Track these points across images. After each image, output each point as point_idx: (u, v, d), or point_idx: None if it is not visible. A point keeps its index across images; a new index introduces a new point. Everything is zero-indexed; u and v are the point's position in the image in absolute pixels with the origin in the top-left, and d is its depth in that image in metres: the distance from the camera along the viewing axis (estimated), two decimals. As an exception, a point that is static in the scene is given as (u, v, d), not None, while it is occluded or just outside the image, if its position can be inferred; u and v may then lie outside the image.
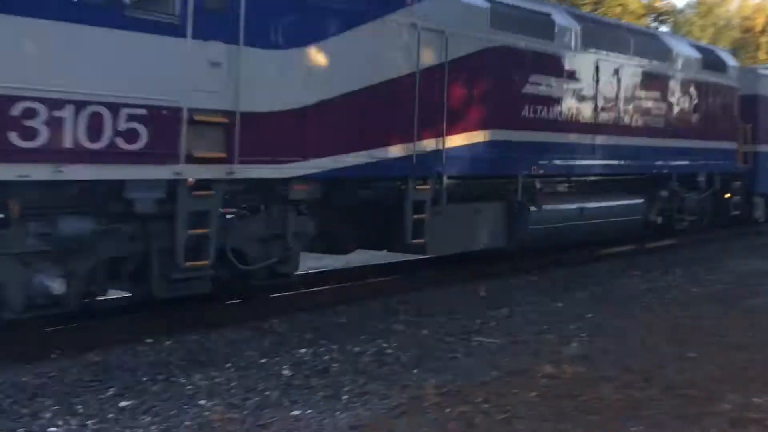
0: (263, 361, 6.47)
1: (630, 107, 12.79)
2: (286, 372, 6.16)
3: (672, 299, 9.55)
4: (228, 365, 6.30)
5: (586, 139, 11.92)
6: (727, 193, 16.36)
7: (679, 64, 14.19)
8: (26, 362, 6.18)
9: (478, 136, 9.90)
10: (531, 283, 11.13)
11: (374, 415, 5.04)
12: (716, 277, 11.38)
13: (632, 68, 12.84)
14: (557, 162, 11.47)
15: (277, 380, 5.88)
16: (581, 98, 11.73)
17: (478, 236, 10.56)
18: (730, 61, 16.63)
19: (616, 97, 12.42)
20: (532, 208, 10.91)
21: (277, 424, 4.84)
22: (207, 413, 5.01)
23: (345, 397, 5.44)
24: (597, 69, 11.92)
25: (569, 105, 11.45)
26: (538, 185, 11.22)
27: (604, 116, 12.19)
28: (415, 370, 6.24)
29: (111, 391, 5.50)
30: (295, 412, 5.05)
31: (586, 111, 11.85)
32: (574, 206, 12.00)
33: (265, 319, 8.10)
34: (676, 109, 14.01)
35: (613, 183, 13.17)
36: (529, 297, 9.97)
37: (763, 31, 47.47)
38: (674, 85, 13.93)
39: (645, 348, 6.89)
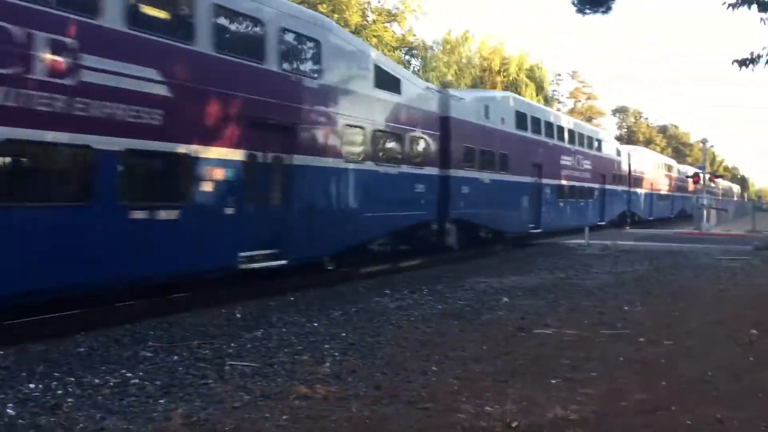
0: (-20, 401, 5.68)
1: None
2: (9, 411, 5.47)
3: (419, 316, 10.12)
4: (-66, 408, 5.43)
5: None
6: None
7: None
8: None
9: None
10: (288, 304, 11.17)
11: (111, 453, 4.64)
12: (458, 295, 12.31)
13: None
14: None
15: (-4, 421, 5.19)
16: None
17: None
18: None
19: None
20: None
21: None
22: None
23: (79, 435, 4.95)
24: None
25: None
26: None
27: None
28: (162, 400, 5.89)
29: None
30: (17, 457, 4.48)
31: None
32: None
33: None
34: None
35: None
36: (286, 317, 9.97)
37: (498, 71, 53.23)
38: None
39: (393, 364, 7.19)
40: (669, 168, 50.11)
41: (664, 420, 5.31)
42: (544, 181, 25.12)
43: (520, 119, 23.32)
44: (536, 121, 24.92)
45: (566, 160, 27.63)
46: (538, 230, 24.54)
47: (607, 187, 33.05)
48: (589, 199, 30.69)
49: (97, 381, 6.40)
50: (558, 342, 8.25)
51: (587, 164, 30.11)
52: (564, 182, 27.34)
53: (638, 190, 39.79)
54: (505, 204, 21.83)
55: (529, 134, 23.99)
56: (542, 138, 25.26)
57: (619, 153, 36.40)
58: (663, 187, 46.82)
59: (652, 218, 42.26)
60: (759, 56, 13.33)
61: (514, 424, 5.15)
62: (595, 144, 32.17)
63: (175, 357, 7.51)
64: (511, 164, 22.17)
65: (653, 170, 44.34)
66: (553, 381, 6.51)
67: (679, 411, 5.53)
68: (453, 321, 9.75)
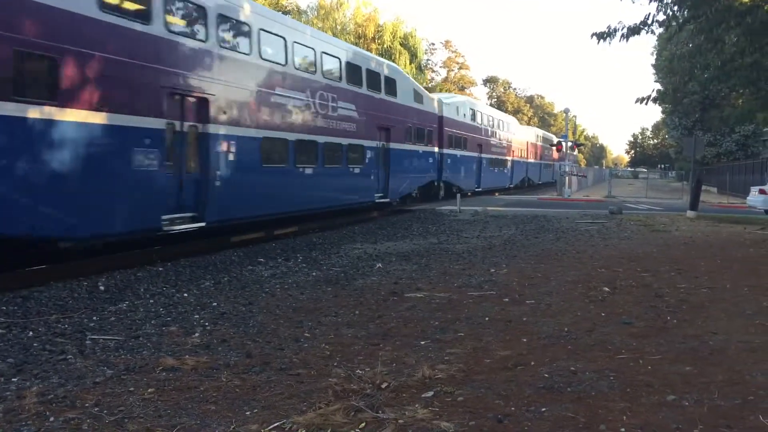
0: None
1: None
2: None
3: (293, 283, 10.07)
4: None
5: None
6: None
7: None
8: None
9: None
10: (156, 275, 10.78)
11: (-45, 437, 4.30)
12: (333, 261, 12.36)
13: None
14: None
15: None
16: None
17: None
18: None
19: None
20: None
21: None
22: None
23: None
24: None
25: None
26: None
27: None
28: (15, 378, 5.52)
29: None
30: None
31: None
32: None
33: None
34: None
35: None
36: (153, 289, 9.63)
37: (373, 39, 53.30)
38: None
39: (265, 332, 7.12)
40: (549, 141, 60.79)
41: (525, 374, 5.59)
42: (483, 155, 36.71)
43: (473, 114, 35.30)
44: (481, 114, 37.20)
45: (493, 141, 39.66)
46: (479, 189, 36.00)
47: (515, 159, 45.19)
48: (505, 169, 42.78)
49: (-61, 362, 5.91)
50: (428, 305, 8.48)
51: (505, 143, 42.24)
52: (493, 156, 39.34)
53: (533, 161, 52.66)
54: (465, 171, 33.68)
55: (477, 123, 35.77)
56: (483, 125, 37.06)
57: (522, 133, 48.38)
58: (547, 158, 58.90)
59: (540, 182, 55.40)
60: (615, 30, 14.12)
61: (384, 385, 5.24)
62: (508, 127, 43.97)
63: (30, 333, 7.07)
64: (468, 144, 33.87)
65: (541, 144, 56.23)
66: (423, 342, 6.69)
67: (538, 365, 5.85)
68: (327, 287, 9.78)
